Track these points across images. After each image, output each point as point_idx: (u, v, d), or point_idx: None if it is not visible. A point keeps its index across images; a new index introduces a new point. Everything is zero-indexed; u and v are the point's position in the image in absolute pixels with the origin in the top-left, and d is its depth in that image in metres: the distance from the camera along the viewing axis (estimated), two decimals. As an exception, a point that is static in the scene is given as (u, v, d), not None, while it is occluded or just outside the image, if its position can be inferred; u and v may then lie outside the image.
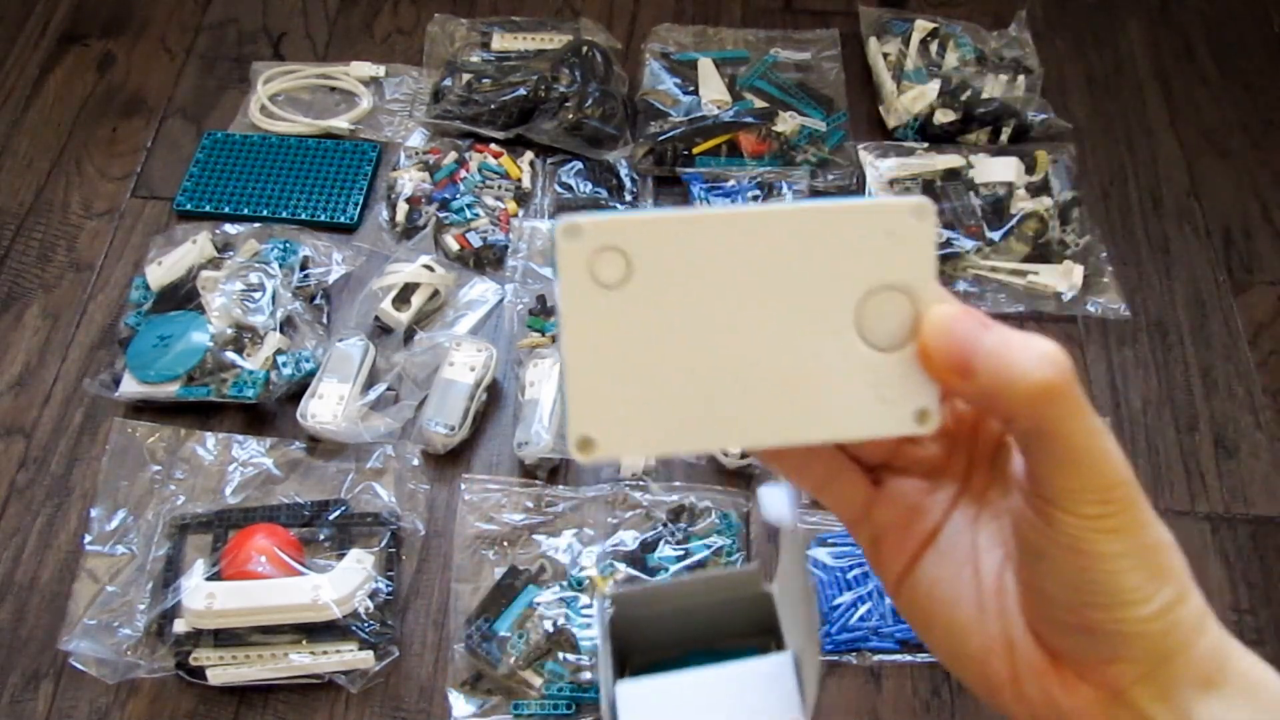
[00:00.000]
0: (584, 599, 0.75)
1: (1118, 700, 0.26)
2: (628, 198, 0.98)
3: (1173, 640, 0.26)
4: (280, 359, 0.85)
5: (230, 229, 0.95)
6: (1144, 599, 0.25)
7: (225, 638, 0.72)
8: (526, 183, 1.00)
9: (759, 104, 1.02)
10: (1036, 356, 0.25)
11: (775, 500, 0.52)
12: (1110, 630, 0.26)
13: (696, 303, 0.26)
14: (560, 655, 0.72)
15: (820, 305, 0.27)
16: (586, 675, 0.71)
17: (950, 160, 0.99)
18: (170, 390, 0.83)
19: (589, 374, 0.26)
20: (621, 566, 0.76)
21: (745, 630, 0.65)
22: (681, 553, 0.76)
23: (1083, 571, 0.25)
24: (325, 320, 0.91)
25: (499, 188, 0.99)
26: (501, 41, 1.09)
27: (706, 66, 1.06)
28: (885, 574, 0.30)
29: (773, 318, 0.26)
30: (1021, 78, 1.04)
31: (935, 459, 0.30)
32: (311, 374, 0.85)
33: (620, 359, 0.26)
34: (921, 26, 1.07)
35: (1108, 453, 0.25)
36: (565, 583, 0.76)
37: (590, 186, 0.99)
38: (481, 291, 0.93)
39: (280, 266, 0.90)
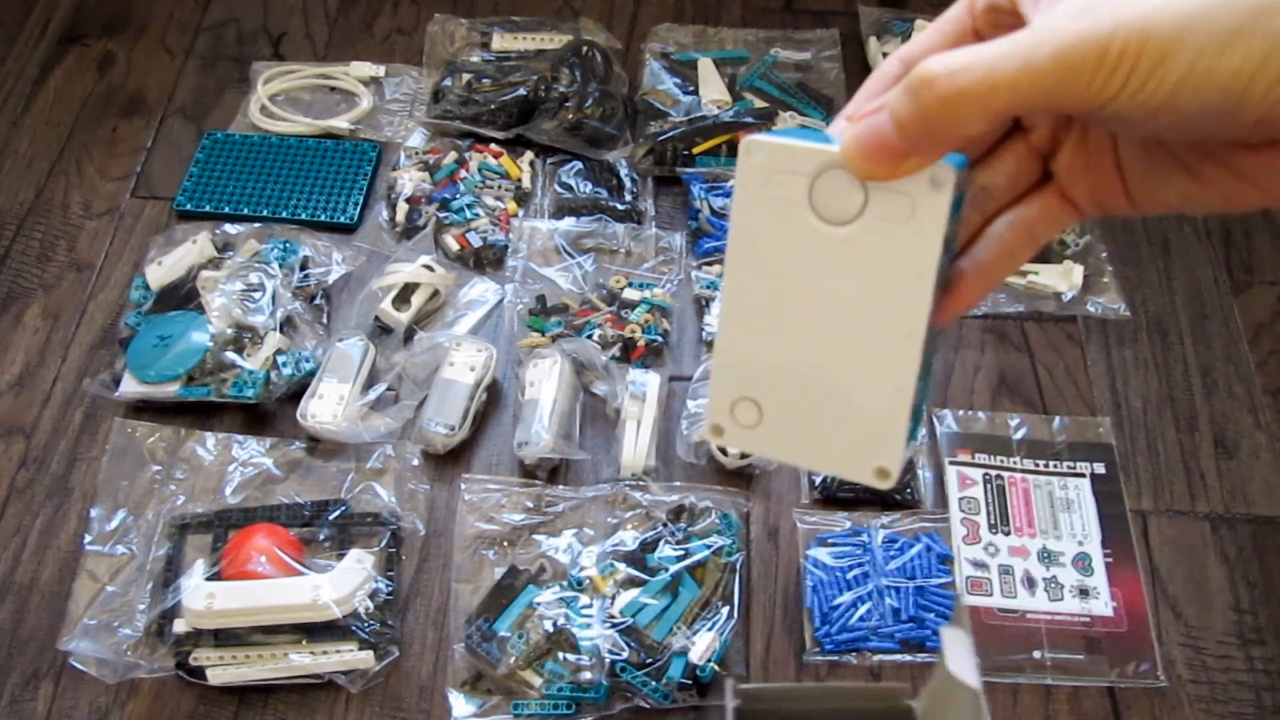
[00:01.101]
0: (584, 599, 0.75)
1: None
2: (628, 197, 0.98)
3: None
4: (280, 359, 0.84)
5: (230, 229, 0.95)
6: (1248, 100, 0.24)
7: (225, 638, 0.72)
8: (526, 183, 1.00)
9: (759, 104, 1.02)
10: (914, 92, 0.26)
11: (959, 649, 0.49)
12: (1250, 134, 0.25)
13: (806, 337, 0.32)
14: (560, 655, 0.72)
15: (818, 247, 0.31)
16: (586, 675, 0.71)
17: (950, 160, 0.99)
18: (170, 390, 0.83)
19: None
20: (621, 566, 0.76)
21: None
22: (681, 553, 0.76)
23: (1172, 123, 0.25)
24: (325, 320, 0.91)
25: (499, 188, 0.99)
26: (501, 41, 1.09)
27: (706, 66, 1.06)
28: (1120, 210, 0.31)
29: (832, 289, 0.31)
30: (1021, 78, 1.04)
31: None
32: (311, 374, 0.85)
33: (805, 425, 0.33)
34: (921, 26, 1.07)
35: (1057, 43, 0.24)
36: (565, 583, 0.76)
37: (590, 186, 0.99)
38: (481, 291, 0.93)
39: (280, 266, 0.90)
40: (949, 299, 0.31)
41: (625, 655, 0.71)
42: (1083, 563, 0.79)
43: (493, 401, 0.87)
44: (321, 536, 0.78)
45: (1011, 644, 0.76)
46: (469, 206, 0.96)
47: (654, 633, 0.73)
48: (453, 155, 1.00)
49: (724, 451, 0.81)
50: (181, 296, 0.88)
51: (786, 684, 0.68)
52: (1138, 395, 0.89)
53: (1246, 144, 0.27)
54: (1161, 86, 0.24)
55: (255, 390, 0.83)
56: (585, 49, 1.03)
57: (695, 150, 0.99)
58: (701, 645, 0.71)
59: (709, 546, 0.76)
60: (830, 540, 0.79)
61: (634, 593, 0.74)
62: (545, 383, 0.82)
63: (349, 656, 0.72)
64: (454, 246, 0.94)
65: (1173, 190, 0.29)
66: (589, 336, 0.88)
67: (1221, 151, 0.27)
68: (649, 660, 0.71)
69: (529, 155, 1.01)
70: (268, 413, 0.86)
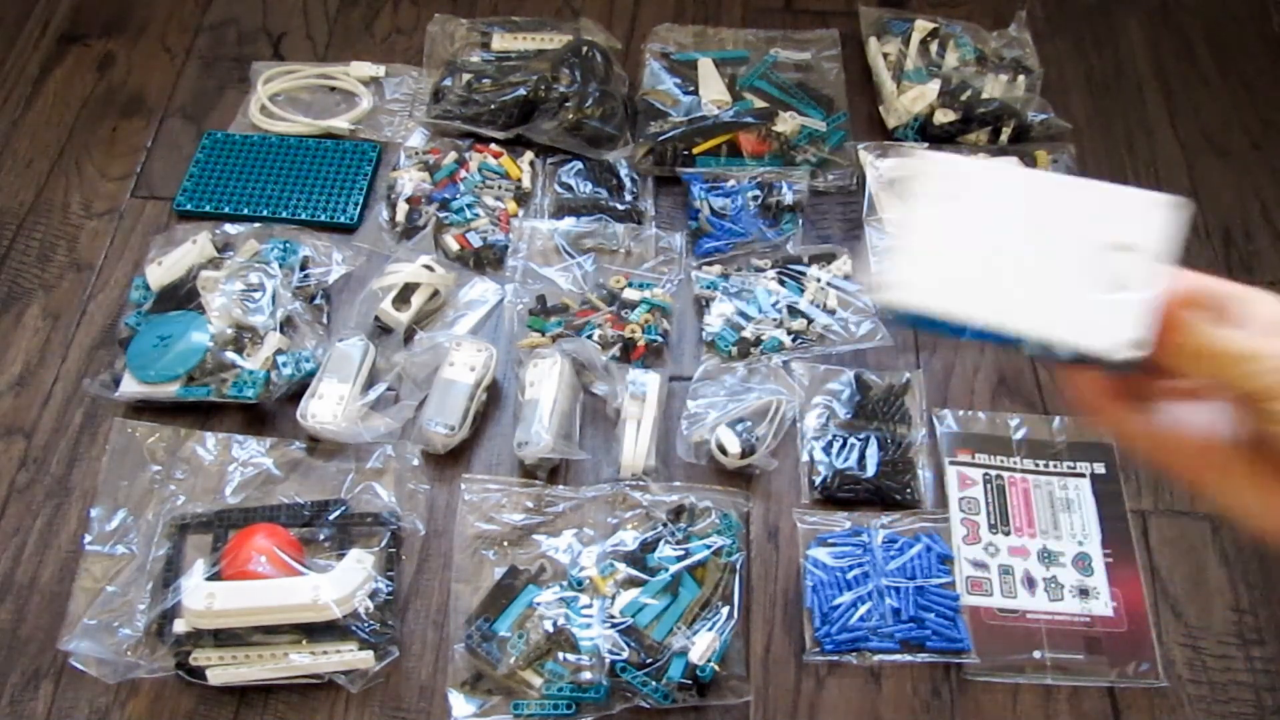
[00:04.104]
0: (584, 599, 0.75)
1: None
2: (628, 197, 0.98)
3: None
4: (280, 359, 0.84)
5: (230, 229, 0.95)
6: None
7: (225, 638, 0.72)
8: (526, 183, 1.00)
9: (759, 104, 1.02)
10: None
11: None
12: None
13: (984, 218, 0.36)
14: (560, 655, 0.72)
15: (1076, 249, 0.35)
16: (586, 675, 0.71)
17: (950, 160, 0.99)
18: (170, 390, 0.83)
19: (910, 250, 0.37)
20: (621, 566, 0.76)
21: None
22: (681, 553, 0.76)
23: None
24: (325, 320, 0.91)
25: (499, 188, 0.99)
26: (501, 41, 1.09)
27: (706, 66, 1.06)
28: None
29: (1039, 245, 0.36)
30: (1021, 78, 1.04)
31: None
32: (311, 374, 0.85)
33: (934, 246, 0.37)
34: (921, 26, 1.07)
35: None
36: (565, 583, 0.76)
37: (590, 186, 0.99)
38: (481, 291, 0.93)
39: (280, 266, 0.90)
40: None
41: (625, 655, 0.71)
42: (1083, 563, 0.79)
43: (493, 401, 0.87)
44: (321, 536, 0.78)
45: (1011, 644, 0.76)
46: (469, 206, 0.96)
47: (654, 633, 0.73)
48: (453, 155, 1.00)
49: (724, 451, 0.81)
50: (181, 296, 0.88)
51: None
52: (1138, 395, 0.89)
53: None
54: None
55: (255, 390, 0.83)
56: (585, 49, 1.03)
57: (695, 150, 0.99)
58: (701, 645, 0.71)
59: (709, 546, 0.76)
60: (830, 540, 0.79)
61: (634, 593, 0.74)
62: (545, 383, 0.82)
63: (349, 656, 0.72)
64: (454, 246, 0.94)
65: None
66: (589, 336, 0.88)
67: None
68: (649, 660, 0.71)
69: (529, 155, 1.01)
70: (268, 413, 0.86)
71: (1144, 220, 0.36)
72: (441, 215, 0.96)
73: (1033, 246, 0.36)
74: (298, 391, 0.84)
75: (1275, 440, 0.34)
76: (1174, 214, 0.36)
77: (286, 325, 0.88)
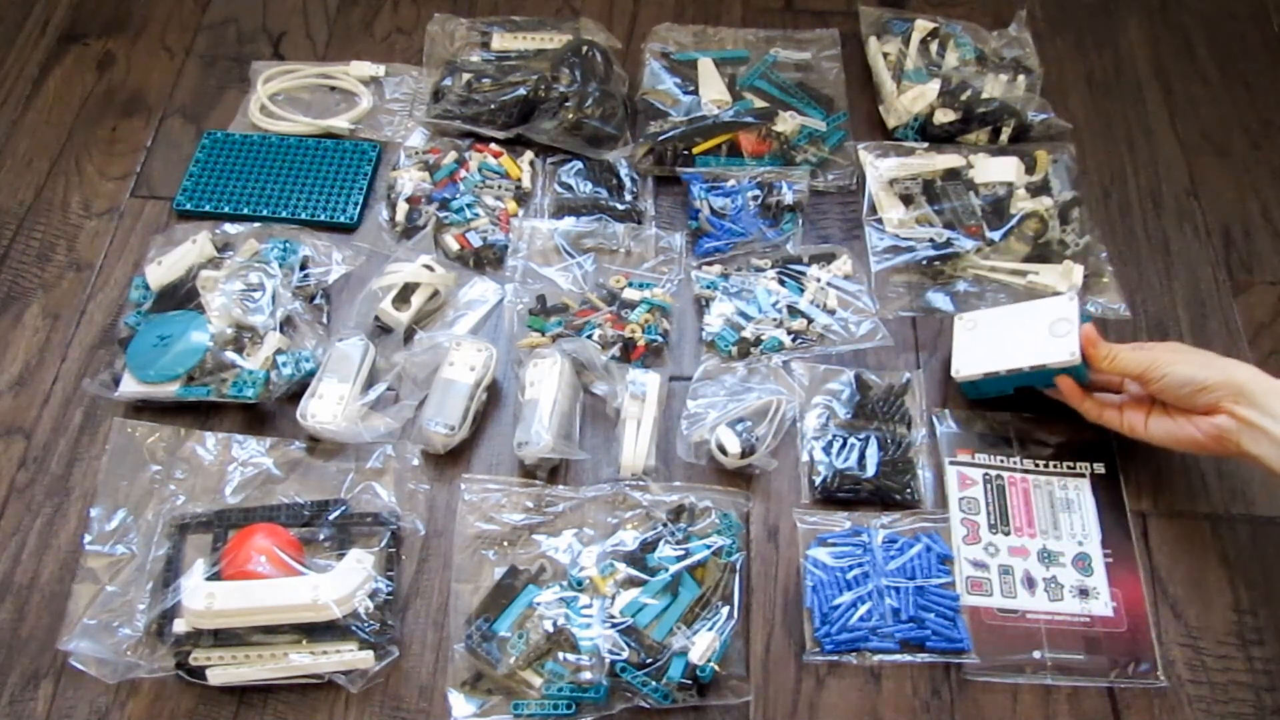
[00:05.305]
0: (584, 599, 0.75)
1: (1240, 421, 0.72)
2: (628, 197, 0.98)
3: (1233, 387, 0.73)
4: (280, 359, 0.84)
5: (230, 229, 0.95)
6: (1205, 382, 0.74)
7: (225, 638, 0.72)
8: (526, 182, 1.00)
9: (759, 104, 1.02)
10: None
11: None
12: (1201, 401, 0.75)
13: (991, 332, 0.86)
14: (560, 655, 0.72)
15: (1037, 327, 0.82)
16: (586, 675, 0.71)
17: (950, 160, 0.99)
18: (170, 390, 0.83)
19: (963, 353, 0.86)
20: (621, 566, 0.76)
21: None
22: (681, 553, 0.76)
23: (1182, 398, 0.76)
24: (325, 320, 0.91)
25: (499, 187, 0.99)
26: (501, 41, 1.09)
27: (706, 66, 1.06)
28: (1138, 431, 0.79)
29: (1020, 331, 0.83)
30: (1021, 78, 1.04)
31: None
32: (311, 374, 0.85)
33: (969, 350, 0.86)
34: (921, 26, 1.07)
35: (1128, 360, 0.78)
36: (565, 583, 0.76)
37: (590, 186, 0.99)
38: (481, 291, 0.93)
39: (280, 266, 0.90)
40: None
41: (625, 655, 0.71)
42: (1083, 563, 0.79)
43: (493, 401, 0.87)
44: (321, 536, 0.78)
45: (1011, 644, 0.76)
46: (469, 206, 0.96)
47: (654, 633, 0.73)
48: (453, 155, 1.00)
49: (724, 451, 0.81)
50: (181, 296, 0.89)
51: None
52: (1138, 395, 0.89)
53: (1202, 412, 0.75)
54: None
55: (255, 390, 0.83)
56: (585, 49, 1.03)
57: (695, 150, 0.99)
58: (701, 645, 0.71)
59: (709, 546, 0.76)
60: (830, 540, 0.79)
61: (634, 593, 0.74)
62: (545, 383, 0.82)
63: (349, 656, 0.72)
64: (454, 246, 0.94)
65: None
66: (589, 336, 0.88)
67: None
68: (649, 660, 0.71)
69: (529, 155, 1.01)
70: (268, 413, 0.86)
71: (1065, 306, 0.81)
72: (441, 215, 0.96)
73: (1017, 332, 0.82)
74: (298, 391, 0.84)
75: (1159, 394, 0.76)
76: (1076, 302, 0.80)
77: (286, 325, 0.88)
